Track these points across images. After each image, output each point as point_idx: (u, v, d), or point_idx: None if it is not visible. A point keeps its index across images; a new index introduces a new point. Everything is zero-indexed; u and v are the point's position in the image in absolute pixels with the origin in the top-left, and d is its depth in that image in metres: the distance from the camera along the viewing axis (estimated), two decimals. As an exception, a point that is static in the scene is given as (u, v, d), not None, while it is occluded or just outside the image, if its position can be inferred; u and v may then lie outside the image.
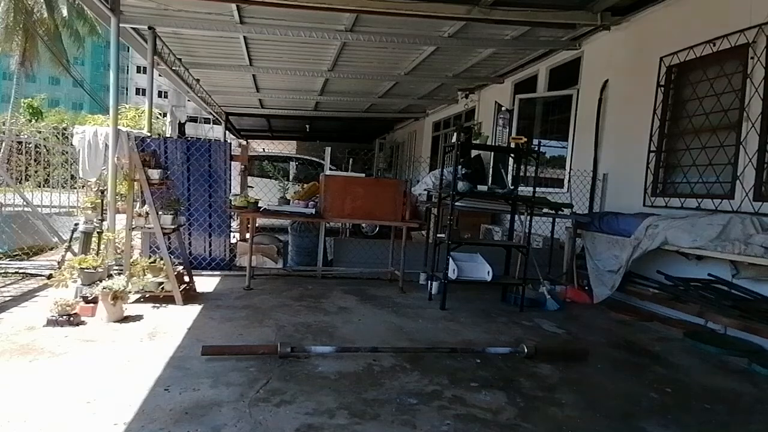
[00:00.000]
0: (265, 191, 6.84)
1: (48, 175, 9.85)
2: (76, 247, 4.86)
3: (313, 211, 5.14)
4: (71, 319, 3.37)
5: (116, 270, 4.55)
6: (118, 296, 3.52)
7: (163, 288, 4.08)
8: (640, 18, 5.70)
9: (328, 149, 7.16)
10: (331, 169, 6.92)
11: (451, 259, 4.59)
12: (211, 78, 10.10)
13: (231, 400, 2.42)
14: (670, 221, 4.47)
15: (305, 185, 7.64)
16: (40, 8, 21.61)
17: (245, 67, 8.80)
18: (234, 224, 6.90)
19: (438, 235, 4.96)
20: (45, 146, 9.52)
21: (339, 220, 5.99)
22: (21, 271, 4.93)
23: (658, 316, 4.57)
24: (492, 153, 7.62)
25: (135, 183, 4.23)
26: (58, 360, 2.80)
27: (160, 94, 15.14)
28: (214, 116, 14.38)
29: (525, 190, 5.55)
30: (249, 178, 7.60)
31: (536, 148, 5.36)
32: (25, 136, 9.88)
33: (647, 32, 5.64)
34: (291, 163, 11.07)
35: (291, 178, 10.06)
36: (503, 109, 8.22)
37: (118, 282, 3.64)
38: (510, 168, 7.03)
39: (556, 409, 2.59)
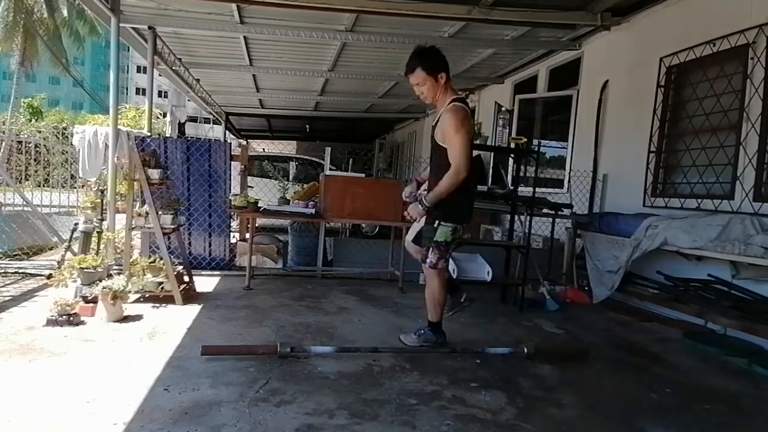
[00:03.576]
0: (265, 191, 6.84)
1: (48, 175, 9.86)
2: (75, 247, 4.85)
3: (313, 211, 5.14)
4: (71, 318, 3.37)
5: (116, 270, 4.54)
6: (117, 296, 3.51)
7: (162, 288, 4.07)
8: (640, 18, 5.70)
9: (328, 149, 7.16)
10: (331, 170, 6.92)
11: (450, 259, 4.57)
12: (211, 78, 10.10)
13: (230, 400, 2.42)
14: (670, 222, 4.47)
15: (305, 185, 7.64)
16: (40, 8, 21.65)
17: (245, 67, 8.80)
18: (234, 224, 6.89)
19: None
20: (45, 146, 9.52)
21: (339, 220, 5.99)
22: (21, 270, 4.92)
23: (658, 316, 4.57)
24: (492, 153, 7.62)
25: (135, 183, 4.22)
26: (58, 360, 2.80)
27: (160, 94, 15.12)
28: (214, 116, 14.38)
29: (525, 191, 5.55)
30: (249, 178, 7.61)
31: (536, 149, 5.36)
32: (25, 136, 9.90)
33: (647, 33, 5.64)
34: (291, 163, 11.08)
35: (291, 178, 10.07)
36: (503, 109, 8.22)
37: (117, 282, 3.64)
38: (510, 168, 7.03)
39: (556, 409, 2.59)
